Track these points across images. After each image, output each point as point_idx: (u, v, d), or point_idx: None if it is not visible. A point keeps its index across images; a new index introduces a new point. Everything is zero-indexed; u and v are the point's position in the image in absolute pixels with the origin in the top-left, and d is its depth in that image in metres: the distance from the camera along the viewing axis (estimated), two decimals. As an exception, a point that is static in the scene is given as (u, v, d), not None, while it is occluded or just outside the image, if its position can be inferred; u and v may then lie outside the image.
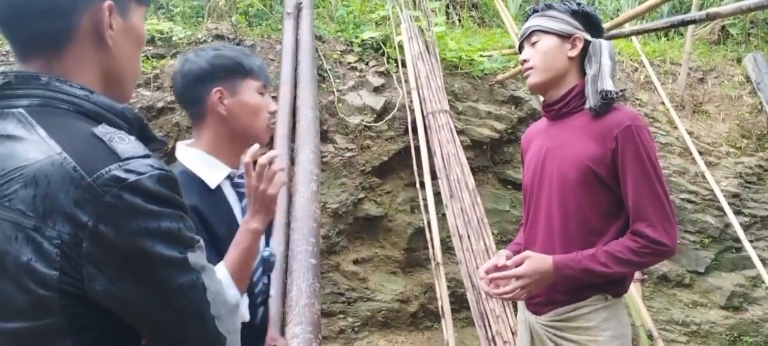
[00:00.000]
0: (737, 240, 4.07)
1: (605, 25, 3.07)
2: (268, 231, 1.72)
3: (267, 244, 1.66)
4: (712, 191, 4.16)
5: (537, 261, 1.75)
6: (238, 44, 4.11)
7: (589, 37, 1.85)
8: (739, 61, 5.30)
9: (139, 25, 1.04)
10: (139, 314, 0.89)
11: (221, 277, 1.26)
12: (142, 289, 0.87)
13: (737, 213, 4.21)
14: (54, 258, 0.82)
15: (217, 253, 1.39)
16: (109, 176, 0.82)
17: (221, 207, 1.50)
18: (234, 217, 1.54)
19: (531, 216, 1.95)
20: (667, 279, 4.24)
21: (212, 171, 1.52)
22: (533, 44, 1.88)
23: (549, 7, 1.90)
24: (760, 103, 4.78)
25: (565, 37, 1.85)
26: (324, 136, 3.76)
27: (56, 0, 0.92)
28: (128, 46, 1.01)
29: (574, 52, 1.85)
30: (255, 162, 1.39)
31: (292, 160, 3.36)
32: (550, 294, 1.84)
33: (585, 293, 1.80)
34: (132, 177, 0.83)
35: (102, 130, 0.88)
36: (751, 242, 4.02)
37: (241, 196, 1.58)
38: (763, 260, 3.96)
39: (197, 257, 0.91)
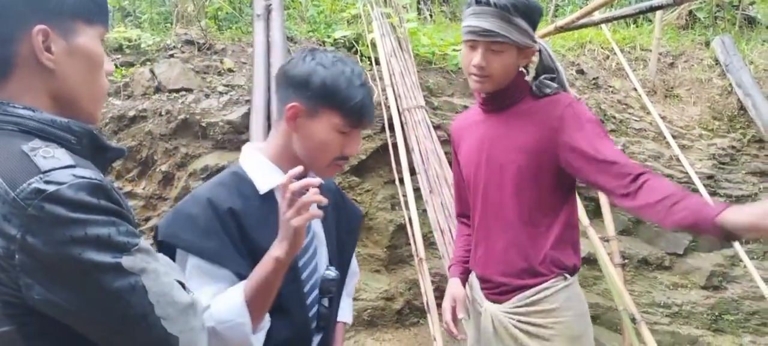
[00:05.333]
0: (714, 220, 4.11)
1: (575, 15, 3.09)
2: (342, 250, 1.62)
3: (331, 263, 1.56)
4: (687, 173, 4.21)
5: None
6: (208, 49, 4.05)
7: (537, 47, 1.83)
8: (707, 44, 5.38)
9: (90, 46, 1.02)
10: (81, 321, 0.91)
11: (228, 298, 1.25)
12: (78, 296, 0.88)
13: (712, 194, 4.27)
14: None
15: (253, 260, 1.30)
16: (30, 189, 0.85)
17: (267, 214, 1.37)
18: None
19: (479, 212, 1.92)
20: (647, 262, 4.29)
21: (267, 176, 1.42)
22: (495, 52, 1.74)
23: (514, 7, 1.70)
24: (730, 84, 4.86)
25: (522, 49, 1.77)
26: (300, 138, 3.71)
27: None
28: (77, 68, 1.00)
29: (525, 62, 1.83)
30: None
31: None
32: (511, 280, 1.85)
33: (545, 275, 1.82)
34: (51, 188, 0.86)
35: (31, 145, 0.91)
36: (727, 221, 4.07)
37: None
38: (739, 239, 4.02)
39: (135, 260, 0.92)
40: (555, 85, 1.84)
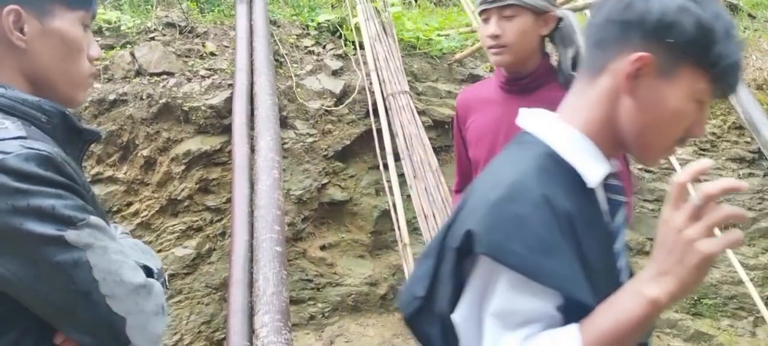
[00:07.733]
0: (693, 206, 4.17)
1: (558, 0, 3.10)
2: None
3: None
4: (668, 159, 4.25)
5: None
6: (190, 32, 4.00)
7: (559, 13, 1.76)
8: (689, 31, 5.42)
9: (66, 29, 1.03)
10: (24, 292, 0.90)
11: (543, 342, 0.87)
12: (21, 267, 0.89)
13: (694, 181, 4.32)
14: None
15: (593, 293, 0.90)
16: None
17: (594, 218, 1.01)
18: (608, 236, 1.05)
19: None
20: (628, 248, 4.32)
21: (593, 164, 1.00)
22: (508, 18, 1.70)
23: None
24: (711, 71, 4.91)
25: (540, 13, 1.71)
26: (284, 123, 3.70)
27: None
28: (51, 50, 1.02)
29: (546, 30, 1.76)
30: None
31: (252, 148, 3.29)
32: None
33: None
34: None
35: None
36: (706, 207, 4.13)
37: (612, 206, 1.07)
38: (718, 224, 4.08)
39: (80, 234, 0.91)
40: None
